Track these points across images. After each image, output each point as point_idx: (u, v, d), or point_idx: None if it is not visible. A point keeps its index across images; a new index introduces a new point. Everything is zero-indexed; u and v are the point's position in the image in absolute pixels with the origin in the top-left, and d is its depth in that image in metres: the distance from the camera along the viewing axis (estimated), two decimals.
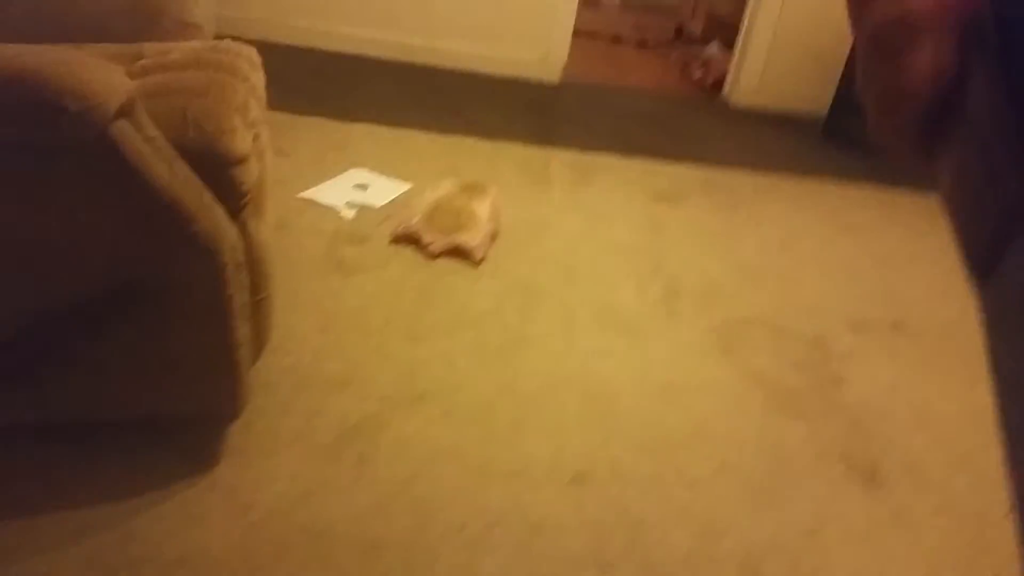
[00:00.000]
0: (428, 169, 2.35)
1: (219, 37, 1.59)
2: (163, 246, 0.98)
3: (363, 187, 2.15)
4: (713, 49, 4.14)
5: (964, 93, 0.18)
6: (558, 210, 2.23)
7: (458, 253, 1.87)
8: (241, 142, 1.12)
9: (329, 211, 2.00)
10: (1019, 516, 0.19)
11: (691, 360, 1.63)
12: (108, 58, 1.23)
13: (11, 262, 0.97)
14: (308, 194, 2.06)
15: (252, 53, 1.45)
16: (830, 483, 1.35)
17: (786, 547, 1.21)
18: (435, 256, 1.86)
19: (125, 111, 0.91)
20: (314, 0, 3.35)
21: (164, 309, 1.03)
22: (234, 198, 1.10)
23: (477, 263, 1.85)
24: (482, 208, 1.96)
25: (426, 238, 1.87)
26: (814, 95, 3.57)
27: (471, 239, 1.86)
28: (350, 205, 2.04)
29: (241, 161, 1.11)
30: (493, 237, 1.96)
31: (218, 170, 1.07)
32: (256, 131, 1.25)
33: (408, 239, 1.90)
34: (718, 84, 3.79)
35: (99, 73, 0.91)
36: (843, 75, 3.28)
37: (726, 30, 4.02)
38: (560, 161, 2.59)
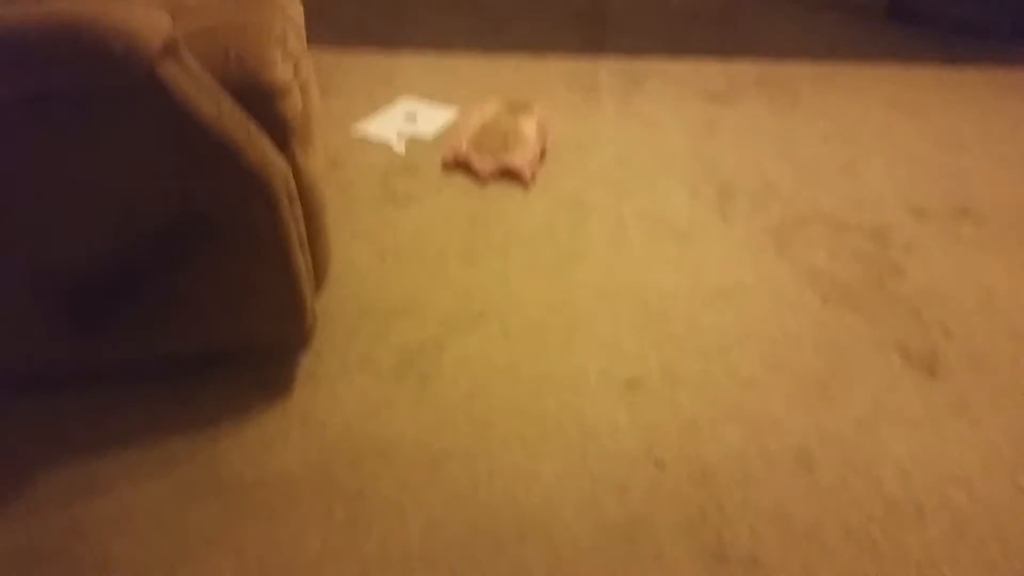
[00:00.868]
0: (476, 91, 2.35)
1: None
2: (216, 179, 1.04)
3: (412, 117, 2.18)
4: None
5: None
6: (608, 121, 2.21)
7: (507, 174, 1.89)
8: (282, 74, 1.15)
9: (381, 145, 2.04)
10: None
11: (745, 262, 1.63)
12: (148, 1, 1.28)
13: (80, 206, 1.04)
14: (359, 129, 2.10)
15: None
16: (888, 374, 1.35)
17: (841, 439, 1.23)
18: (485, 179, 1.88)
19: (169, 50, 0.96)
20: None
21: (227, 241, 1.09)
22: (281, 129, 1.15)
23: (527, 183, 1.87)
24: (529, 127, 1.97)
25: (475, 162, 1.89)
26: None
27: (519, 159, 1.88)
28: (401, 136, 2.08)
29: (284, 92, 1.15)
30: (542, 155, 1.97)
31: (262, 102, 1.11)
32: (296, 62, 1.29)
33: (458, 164, 1.93)
34: None
35: (140, 15, 0.95)
36: None
37: None
38: (608, 70, 2.55)
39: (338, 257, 1.58)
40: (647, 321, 1.46)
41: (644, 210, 1.80)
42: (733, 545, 1.07)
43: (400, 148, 2.03)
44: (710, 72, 2.55)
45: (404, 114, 2.20)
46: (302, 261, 1.19)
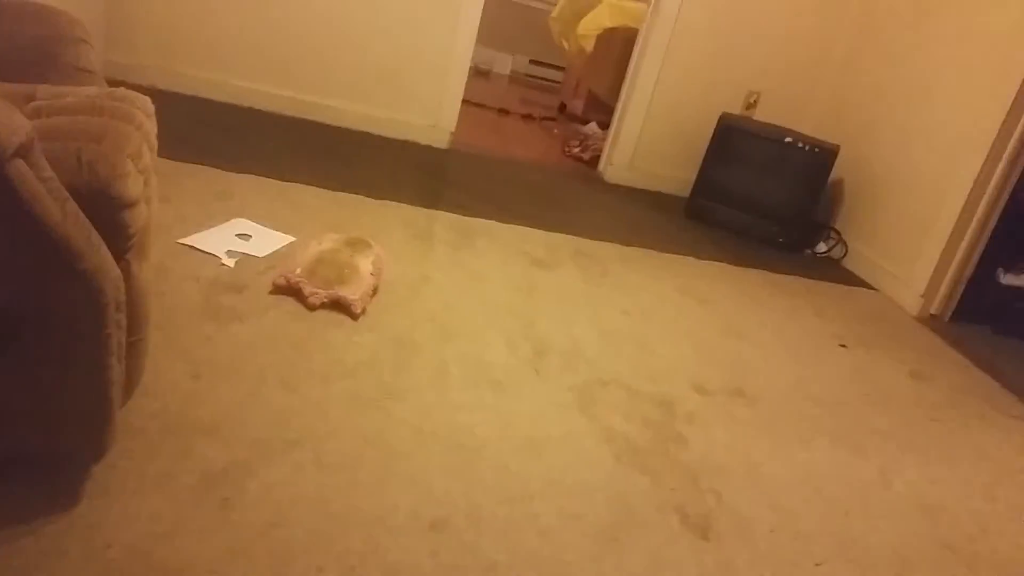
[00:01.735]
0: (314, 223, 2.41)
1: (110, 82, 1.62)
2: (49, 281, 1.01)
3: (246, 237, 2.19)
4: (592, 128, 4.44)
5: None
6: (438, 269, 2.34)
7: (338, 306, 1.94)
8: (133, 186, 1.17)
9: (210, 258, 2.03)
10: None
11: (552, 416, 1.76)
12: (7, 93, 1.26)
13: None
14: (189, 240, 2.07)
15: (146, 102, 1.49)
16: (667, 533, 1.49)
17: None
18: (315, 308, 1.91)
19: (23, 151, 0.95)
20: (207, 50, 3.39)
21: (42, 342, 1.05)
22: (121, 240, 1.15)
23: (356, 316, 1.92)
24: (365, 263, 2.05)
25: (307, 290, 1.92)
26: (678, 178, 3.90)
27: (352, 292, 1.94)
28: (231, 254, 2.07)
29: (132, 205, 1.16)
30: (374, 292, 2.04)
31: (108, 212, 1.11)
32: (146, 177, 1.30)
33: (289, 290, 1.95)
34: (595, 160, 4.07)
35: (0, 112, 0.94)
36: (703, 163, 3.61)
37: (604, 111, 4.33)
38: (443, 222, 2.72)
39: (149, 369, 1.52)
40: (459, 464, 1.52)
41: (465, 356, 1.90)
42: None
43: (229, 263, 2.02)
44: (533, 239, 2.80)
45: (237, 231, 2.20)
46: (118, 371, 1.16)
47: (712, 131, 3.59)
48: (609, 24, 4.42)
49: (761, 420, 1.98)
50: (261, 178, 2.66)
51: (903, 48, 3.44)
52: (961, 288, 3.07)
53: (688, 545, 1.47)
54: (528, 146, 4.24)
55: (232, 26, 3.36)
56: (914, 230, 3.19)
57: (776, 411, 2.04)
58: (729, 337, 2.41)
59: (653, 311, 2.45)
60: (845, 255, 3.53)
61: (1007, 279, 3.12)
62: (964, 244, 3.01)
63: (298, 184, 2.70)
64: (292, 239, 2.25)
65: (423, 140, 3.67)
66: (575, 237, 2.93)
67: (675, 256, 3.04)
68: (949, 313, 3.09)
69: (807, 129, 3.81)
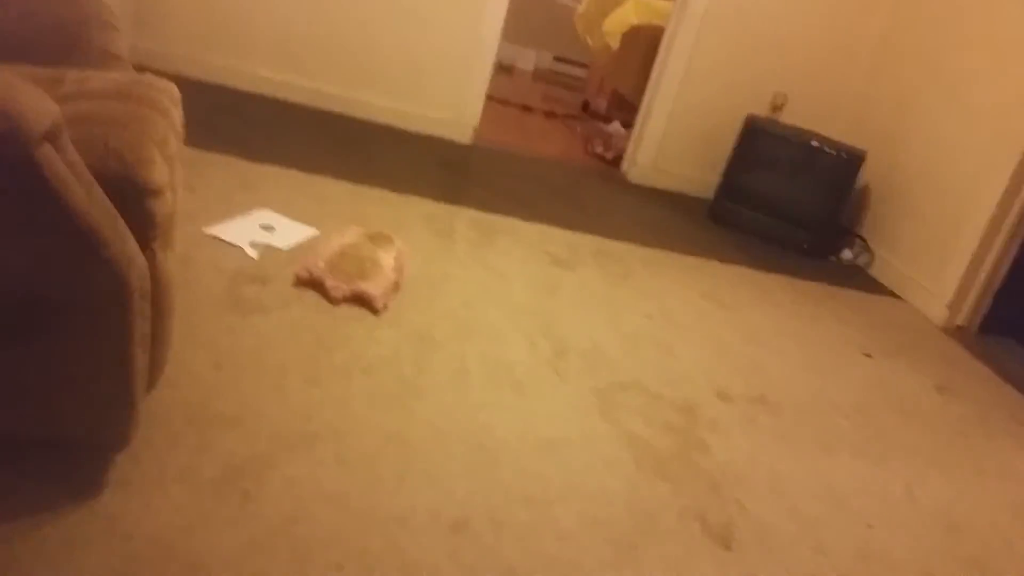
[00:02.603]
0: (336, 215, 2.40)
1: (136, 68, 1.62)
2: (75, 268, 1.00)
3: (269, 228, 2.18)
4: (615, 127, 4.41)
5: None
6: (460, 266, 2.32)
7: (360, 300, 1.93)
8: (159, 174, 1.16)
9: (233, 249, 2.02)
10: None
11: (572, 418, 1.74)
12: (28, 81, 1.25)
13: None
14: (213, 230, 2.07)
15: (173, 89, 1.49)
16: (688, 542, 1.46)
17: None
18: (337, 302, 1.90)
19: (51, 135, 0.94)
20: (234, 40, 3.38)
21: (67, 330, 1.04)
22: (147, 228, 1.14)
23: (378, 312, 1.91)
24: (387, 258, 2.03)
25: (329, 283, 1.91)
26: (702, 179, 3.86)
27: (374, 287, 1.92)
28: (255, 245, 2.07)
29: (158, 192, 1.15)
30: (396, 287, 2.03)
31: (134, 199, 1.11)
32: (172, 165, 1.29)
33: (311, 283, 1.94)
34: (617, 159, 4.03)
35: (28, 96, 0.94)
36: (728, 165, 3.57)
37: (628, 110, 4.30)
38: (465, 219, 2.70)
39: (172, 359, 1.52)
40: (479, 464, 1.50)
41: (486, 355, 1.89)
42: None
43: (252, 254, 2.01)
44: (555, 237, 2.78)
45: (261, 223, 2.20)
46: (141, 360, 1.15)
47: (738, 133, 3.55)
48: (635, 22, 4.38)
49: (784, 428, 1.95)
50: (285, 169, 2.65)
51: (932, 53, 3.38)
52: (989, 299, 3.02)
53: (709, 554, 1.45)
54: (551, 143, 4.21)
55: (259, 16, 3.35)
56: (941, 239, 3.14)
57: (799, 420, 2.01)
58: (752, 343, 2.38)
59: (675, 314, 2.43)
60: (871, 263, 3.49)
61: None
62: (992, 255, 2.96)
63: (322, 176, 2.69)
64: (315, 231, 2.24)
65: (446, 135, 3.66)
66: (597, 237, 2.91)
67: (698, 259, 3.00)
68: (976, 325, 3.05)
69: (834, 133, 3.76)
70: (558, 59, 6.53)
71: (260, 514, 1.25)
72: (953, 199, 3.12)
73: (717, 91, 3.75)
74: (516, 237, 2.67)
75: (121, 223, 1.07)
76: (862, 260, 3.52)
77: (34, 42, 1.45)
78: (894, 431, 2.10)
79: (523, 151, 3.89)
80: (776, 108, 3.79)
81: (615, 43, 4.58)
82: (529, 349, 1.98)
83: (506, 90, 5.18)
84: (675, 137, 3.81)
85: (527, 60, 6.43)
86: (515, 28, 5.70)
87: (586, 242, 2.82)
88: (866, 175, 3.62)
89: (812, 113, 3.86)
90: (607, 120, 4.73)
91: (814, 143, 3.41)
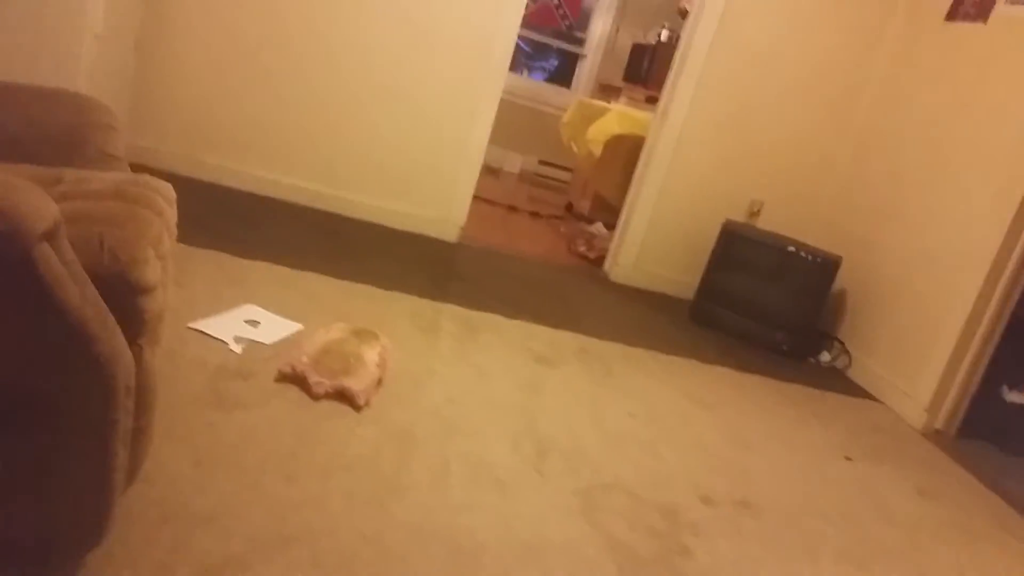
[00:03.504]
0: (322, 311, 2.43)
1: (132, 166, 1.67)
2: (63, 363, 1.01)
3: (254, 323, 2.20)
4: (598, 228, 4.52)
5: None
6: (443, 362, 2.34)
7: (342, 396, 1.92)
8: (152, 273, 1.18)
9: (217, 344, 2.03)
10: None
11: (554, 521, 1.72)
12: (33, 177, 1.29)
13: None
14: (198, 325, 2.08)
15: (168, 190, 1.54)
16: None
17: None
18: (319, 397, 1.90)
19: (49, 235, 0.97)
20: (227, 140, 3.49)
21: (51, 424, 1.04)
22: (136, 324, 1.15)
23: (360, 408, 1.91)
24: (371, 354, 2.05)
25: (312, 379, 1.92)
26: (682, 280, 3.95)
27: (357, 383, 1.93)
28: (239, 340, 2.08)
29: (149, 291, 1.17)
30: (379, 383, 2.03)
31: (126, 297, 1.13)
32: (164, 263, 1.32)
33: (294, 378, 1.94)
34: (600, 259, 4.12)
35: (30, 196, 0.97)
36: (707, 267, 3.66)
37: (610, 212, 4.42)
38: (450, 315, 2.73)
39: (151, 455, 1.50)
40: (458, 568, 1.48)
41: (468, 454, 1.88)
42: None
43: (236, 349, 2.02)
44: (538, 335, 2.81)
45: (246, 318, 2.21)
46: (122, 457, 1.14)
47: (716, 237, 3.66)
48: (617, 131, 4.57)
49: (767, 533, 1.93)
50: (273, 265, 2.69)
51: (904, 164, 3.54)
52: (966, 404, 3.05)
53: None
54: (535, 243, 4.30)
55: (252, 118, 3.47)
56: (918, 344, 3.20)
57: (782, 524, 2.00)
58: (735, 446, 2.38)
59: (658, 414, 2.43)
60: (849, 365, 3.53)
61: (1012, 396, 3.11)
62: (968, 360, 3.02)
63: (309, 272, 2.73)
64: (300, 327, 2.26)
65: (433, 233, 3.74)
66: (579, 335, 2.94)
67: (680, 359, 3.03)
68: (954, 428, 3.07)
69: (810, 239, 3.88)
70: (543, 163, 6.75)
71: None
72: (928, 305, 3.20)
73: (695, 197, 3.88)
74: (500, 334, 2.70)
75: (111, 319, 1.08)
76: (840, 363, 3.56)
77: (39, 145, 1.51)
78: (877, 536, 2.08)
79: (508, 250, 3.97)
80: (753, 214, 3.92)
81: (598, 150, 4.76)
82: (511, 448, 1.97)
83: (493, 191, 5.32)
84: (656, 239, 3.91)
85: (513, 163, 6.64)
86: (503, 133, 5.91)
87: (569, 340, 2.85)
88: (843, 279, 3.71)
89: (788, 219, 3.99)
90: (590, 221, 4.86)
91: (790, 248, 3.51)
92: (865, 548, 2.00)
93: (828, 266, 3.47)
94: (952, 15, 3.43)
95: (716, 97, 3.74)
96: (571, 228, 4.84)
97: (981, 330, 2.98)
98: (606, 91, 6.20)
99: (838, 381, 3.40)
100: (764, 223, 3.95)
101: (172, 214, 1.52)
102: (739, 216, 3.93)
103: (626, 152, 4.32)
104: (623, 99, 5.38)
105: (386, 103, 3.54)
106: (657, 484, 2.01)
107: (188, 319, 2.10)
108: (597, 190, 4.95)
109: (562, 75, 6.86)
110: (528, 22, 6.35)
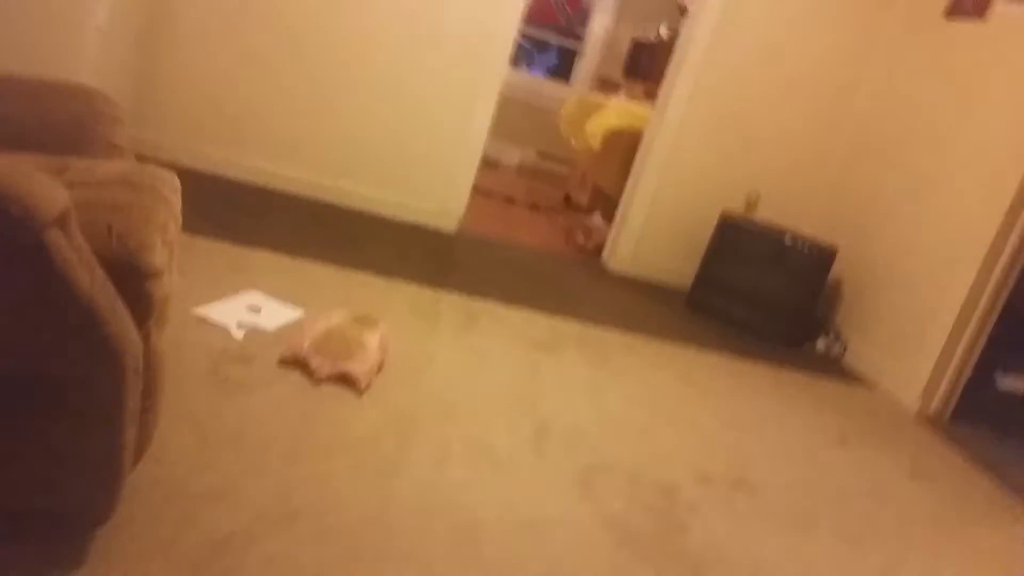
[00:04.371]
0: (323, 298, 2.46)
1: (136, 157, 1.70)
2: (74, 345, 1.05)
3: (256, 309, 2.23)
4: (595, 219, 4.55)
5: None
6: (443, 348, 2.37)
7: (344, 380, 1.96)
8: (159, 258, 1.22)
9: (219, 329, 2.06)
10: None
11: (553, 499, 1.75)
12: (43, 166, 1.32)
13: None
14: (201, 311, 2.12)
15: (173, 179, 1.57)
16: None
17: None
18: (320, 381, 1.94)
19: (60, 221, 1.00)
20: (228, 132, 3.52)
21: (63, 404, 1.07)
22: (144, 308, 1.19)
23: (361, 391, 1.94)
24: (372, 339, 2.08)
25: (314, 363, 1.95)
26: (679, 270, 3.98)
27: (358, 367, 1.96)
28: (241, 325, 2.11)
29: (156, 275, 1.21)
30: (379, 368, 2.07)
31: (134, 281, 1.16)
32: (170, 249, 1.36)
33: (296, 362, 1.98)
34: (598, 250, 4.15)
35: (41, 184, 1.00)
36: (704, 258, 3.69)
37: (608, 204, 4.45)
38: (449, 303, 2.77)
39: (157, 436, 1.54)
40: (459, 544, 1.51)
41: (467, 435, 1.91)
42: None
43: (238, 335, 2.05)
44: (537, 323, 2.84)
45: (248, 304, 2.25)
46: (131, 436, 1.18)
47: (713, 227, 3.69)
48: (616, 124, 4.60)
49: (763, 511, 1.97)
50: (275, 254, 2.72)
51: (900, 153, 3.57)
52: (960, 388, 3.09)
53: None
54: (533, 234, 4.34)
55: (254, 110, 3.50)
56: (913, 330, 3.24)
57: (777, 503, 2.03)
58: (731, 428, 2.42)
59: (655, 398, 2.47)
60: (844, 352, 3.57)
61: (1005, 383, 3.14)
62: (962, 345, 3.05)
63: (310, 261, 2.76)
64: (301, 313, 2.29)
65: (432, 224, 3.77)
66: (578, 323, 2.98)
67: (677, 346, 3.07)
68: (948, 413, 3.10)
69: (807, 228, 3.91)
70: (542, 155, 6.77)
71: None
72: (923, 293, 3.23)
73: (693, 188, 3.91)
74: (499, 321, 2.74)
75: (120, 304, 1.12)
76: (836, 349, 3.60)
77: (45, 136, 1.54)
78: (870, 515, 2.12)
79: (507, 241, 4.00)
80: (750, 205, 3.95)
81: (597, 143, 4.79)
82: (511, 430, 2.00)
83: (491, 183, 5.35)
84: (653, 230, 3.94)
85: (512, 155, 6.66)
86: (502, 125, 5.94)
87: (567, 327, 2.89)
88: (839, 269, 3.74)
89: (786, 209, 4.02)
90: (588, 213, 4.89)
91: (787, 238, 3.54)
92: (858, 527, 2.04)
93: (824, 256, 3.50)
94: (951, 12, 3.45)
95: (715, 91, 3.76)
96: (569, 219, 4.88)
97: (976, 316, 3.02)
98: (605, 86, 6.22)
99: (834, 367, 3.43)
100: (762, 213, 3.98)
101: (177, 202, 1.55)
102: (737, 206, 3.96)
103: (625, 145, 4.34)
104: (622, 94, 5.41)
105: (387, 96, 3.57)
106: (654, 464, 2.04)
107: (192, 305, 2.13)
108: (596, 182, 4.98)
109: (562, 70, 6.88)
110: (528, 19, 6.38)
